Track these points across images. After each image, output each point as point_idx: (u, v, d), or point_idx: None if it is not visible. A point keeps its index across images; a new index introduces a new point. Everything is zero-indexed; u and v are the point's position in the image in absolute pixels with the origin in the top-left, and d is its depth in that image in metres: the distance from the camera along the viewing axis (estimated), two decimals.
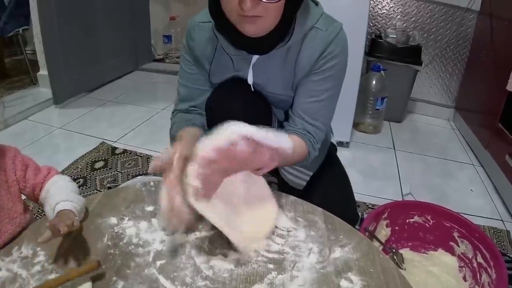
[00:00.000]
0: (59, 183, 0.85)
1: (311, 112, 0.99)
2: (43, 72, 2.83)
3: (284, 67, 0.98)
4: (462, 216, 1.28)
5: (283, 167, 1.18)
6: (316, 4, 0.97)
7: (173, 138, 1.00)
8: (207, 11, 0.95)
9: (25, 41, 3.29)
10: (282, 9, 0.82)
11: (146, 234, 0.80)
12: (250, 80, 1.02)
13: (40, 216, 1.12)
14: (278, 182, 1.26)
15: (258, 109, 1.07)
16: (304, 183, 1.18)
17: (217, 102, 1.05)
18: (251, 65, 0.99)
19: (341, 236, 0.80)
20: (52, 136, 2.27)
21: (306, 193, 1.12)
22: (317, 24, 0.93)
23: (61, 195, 0.79)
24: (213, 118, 1.05)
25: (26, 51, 3.20)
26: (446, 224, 1.29)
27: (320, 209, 0.89)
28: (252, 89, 1.04)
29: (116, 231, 0.81)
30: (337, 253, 0.76)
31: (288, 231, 0.81)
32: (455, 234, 1.28)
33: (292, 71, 0.98)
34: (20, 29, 2.99)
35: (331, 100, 1.00)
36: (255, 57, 0.98)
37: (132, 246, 0.76)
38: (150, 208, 0.88)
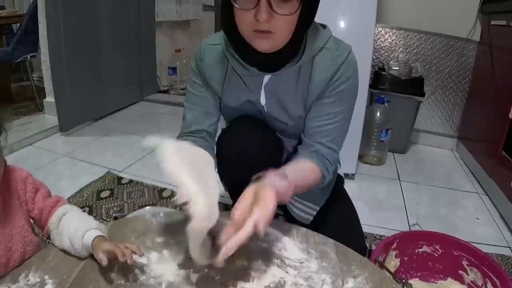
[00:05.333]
0: (72, 213, 0.85)
1: (326, 133, 0.99)
2: (49, 99, 2.88)
3: (297, 87, 0.99)
4: (470, 244, 1.27)
5: (289, 201, 1.17)
6: (324, 27, 1.00)
7: None
8: (216, 35, 1.00)
9: (32, 67, 3.34)
10: (294, 26, 0.84)
11: (157, 265, 0.79)
12: (263, 101, 1.03)
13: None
14: (285, 216, 1.25)
15: (270, 144, 1.07)
16: (311, 218, 1.17)
17: (230, 140, 1.05)
18: (262, 86, 1.00)
19: (353, 267, 0.80)
20: (57, 163, 2.28)
21: (314, 227, 1.11)
22: (327, 44, 0.96)
23: (85, 225, 0.79)
24: (225, 156, 1.06)
25: (33, 77, 3.25)
26: (455, 253, 1.28)
27: (331, 240, 0.89)
28: (265, 110, 1.04)
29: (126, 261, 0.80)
30: (350, 283, 0.75)
31: (300, 262, 0.81)
32: (464, 263, 1.27)
33: (306, 91, 0.98)
34: (28, 56, 3.07)
35: (344, 121, 1.01)
36: (266, 78, 0.99)
37: (143, 277, 0.76)
38: (160, 239, 0.87)
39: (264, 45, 0.85)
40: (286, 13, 0.79)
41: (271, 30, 0.82)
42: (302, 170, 0.95)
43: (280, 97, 1.01)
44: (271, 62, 0.93)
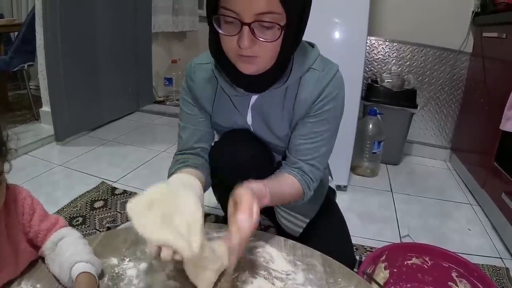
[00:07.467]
0: (68, 239, 0.81)
1: (309, 152, 1.00)
2: (45, 108, 2.87)
3: (283, 107, 0.99)
4: (459, 256, 1.29)
5: (279, 213, 1.18)
6: (312, 46, 1.01)
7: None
8: (206, 54, 1.00)
9: (29, 76, 3.35)
10: (278, 50, 0.85)
11: (146, 275, 0.81)
12: (249, 121, 1.04)
13: None
14: (275, 227, 1.26)
15: (260, 157, 1.08)
16: (301, 230, 1.18)
17: (221, 155, 1.06)
18: (250, 106, 1.01)
19: (339, 279, 0.81)
20: (52, 173, 2.28)
21: (303, 240, 1.12)
22: (313, 65, 0.96)
23: (76, 255, 0.76)
24: (216, 170, 1.07)
25: (30, 86, 3.25)
26: (444, 265, 1.30)
27: (318, 252, 0.90)
28: (252, 129, 1.06)
29: (116, 271, 0.81)
30: None
31: (287, 275, 0.82)
32: (454, 274, 1.28)
33: (291, 111, 0.99)
34: (25, 65, 3.08)
35: (328, 140, 1.01)
36: (254, 98, 1.00)
37: (133, 287, 0.77)
38: None
39: (248, 68, 0.87)
40: (268, 39, 0.81)
41: (254, 55, 0.83)
42: (280, 181, 0.97)
43: (266, 117, 1.02)
44: (257, 84, 0.94)
